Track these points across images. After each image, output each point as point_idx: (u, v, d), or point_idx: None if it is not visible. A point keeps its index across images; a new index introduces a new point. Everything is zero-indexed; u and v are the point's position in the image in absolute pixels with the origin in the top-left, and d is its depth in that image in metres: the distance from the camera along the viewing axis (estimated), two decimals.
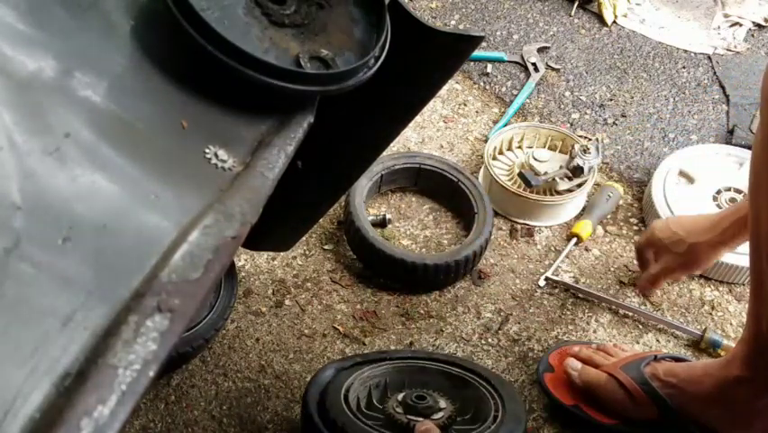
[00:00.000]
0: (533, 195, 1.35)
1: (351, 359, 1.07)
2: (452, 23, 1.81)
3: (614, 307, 1.25)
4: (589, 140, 1.41)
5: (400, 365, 1.05)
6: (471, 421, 0.98)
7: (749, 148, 1.38)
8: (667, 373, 1.00)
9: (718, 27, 1.83)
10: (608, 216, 1.40)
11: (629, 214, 1.41)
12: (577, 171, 1.36)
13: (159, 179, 0.53)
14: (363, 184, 1.32)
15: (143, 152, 0.54)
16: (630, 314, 1.25)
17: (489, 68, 1.69)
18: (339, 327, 1.20)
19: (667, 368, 1.01)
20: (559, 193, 1.37)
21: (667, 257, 1.12)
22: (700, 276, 1.30)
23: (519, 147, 1.47)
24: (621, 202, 1.43)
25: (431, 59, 0.76)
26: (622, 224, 1.40)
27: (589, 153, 1.36)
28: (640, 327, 1.24)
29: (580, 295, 1.27)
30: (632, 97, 1.65)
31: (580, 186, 1.37)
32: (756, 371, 0.88)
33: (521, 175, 1.36)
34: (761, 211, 0.77)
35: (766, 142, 0.73)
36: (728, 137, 1.53)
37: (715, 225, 1.06)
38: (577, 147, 1.37)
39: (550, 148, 1.45)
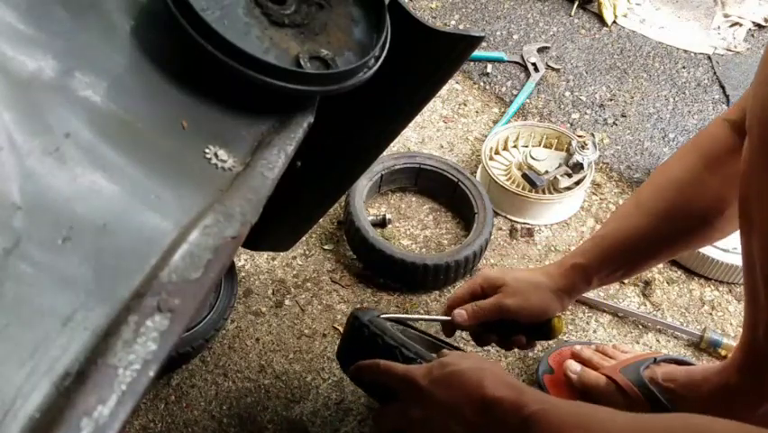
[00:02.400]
0: (532, 194, 1.35)
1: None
2: (452, 23, 1.81)
3: (613, 310, 1.25)
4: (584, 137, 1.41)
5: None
6: None
7: None
8: (666, 377, 1.00)
9: (718, 27, 1.83)
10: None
11: None
12: (576, 168, 1.36)
13: (159, 179, 0.53)
14: (363, 184, 1.32)
15: (143, 152, 0.54)
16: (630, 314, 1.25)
17: (489, 68, 1.69)
18: (339, 327, 1.20)
19: (666, 372, 1.01)
20: (558, 191, 1.37)
21: (503, 295, 0.98)
22: (700, 276, 1.31)
23: (515, 146, 1.47)
24: (621, 202, 1.43)
25: (431, 59, 0.76)
26: None
27: (587, 149, 1.36)
28: (640, 327, 1.24)
29: (578, 298, 1.27)
30: (632, 97, 1.65)
31: (578, 182, 1.37)
32: (752, 381, 0.88)
33: (525, 176, 1.37)
34: (753, 221, 0.77)
35: (753, 158, 0.73)
36: None
37: (555, 275, 0.98)
38: (575, 143, 1.37)
39: (545, 146, 1.45)
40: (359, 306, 1.18)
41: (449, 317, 0.98)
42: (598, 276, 0.97)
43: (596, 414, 0.69)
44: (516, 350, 1.19)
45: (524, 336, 1.00)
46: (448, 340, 1.06)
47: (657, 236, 0.93)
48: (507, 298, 0.96)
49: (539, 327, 0.99)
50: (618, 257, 0.96)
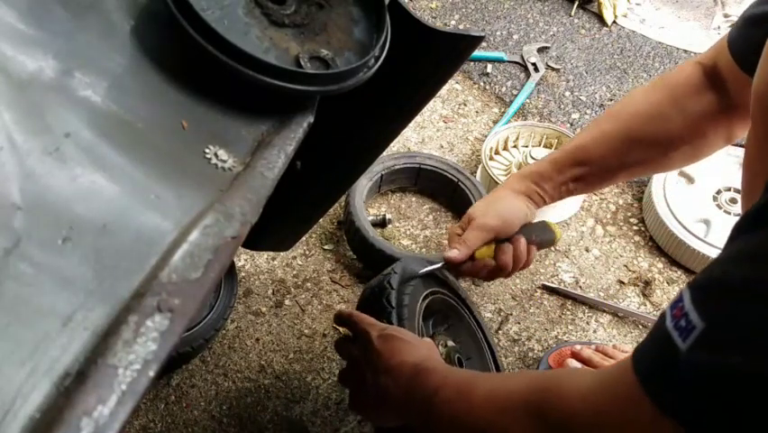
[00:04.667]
0: None
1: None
2: (452, 23, 1.81)
3: (613, 310, 1.25)
4: None
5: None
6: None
7: None
8: None
9: (718, 27, 1.83)
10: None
11: (629, 214, 1.41)
12: None
13: (159, 179, 0.53)
14: (363, 184, 1.32)
15: (143, 152, 0.54)
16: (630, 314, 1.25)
17: (489, 68, 1.69)
18: (339, 327, 1.20)
19: None
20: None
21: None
22: None
23: (515, 146, 1.47)
24: (621, 202, 1.43)
25: (431, 59, 0.76)
26: (622, 224, 1.40)
27: None
28: (640, 327, 1.24)
29: (578, 298, 1.27)
30: None
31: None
32: None
33: None
34: None
35: (758, 144, 0.73)
36: None
37: (521, 193, 1.03)
38: None
39: (545, 146, 1.45)
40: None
41: (444, 262, 1.04)
42: (552, 183, 1.00)
43: (473, 372, 0.86)
44: (516, 350, 1.19)
45: (524, 242, 1.03)
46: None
47: (610, 155, 0.96)
48: (481, 218, 1.01)
49: (540, 233, 1.05)
50: (570, 167, 0.99)
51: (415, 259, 1.07)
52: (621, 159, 0.96)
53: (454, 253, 0.99)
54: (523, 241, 1.01)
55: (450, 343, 1.04)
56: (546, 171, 1.00)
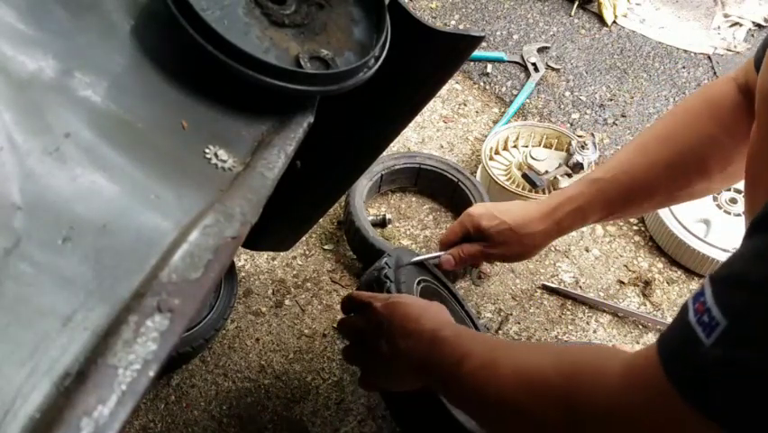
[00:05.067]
0: (532, 194, 1.35)
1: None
2: (452, 23, 1.81)
3: (613, 310, 1.25)
4: (583, 137, 1.41)
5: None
6: None
7: None
8: None
9: (718, 27, 1.83)
10: None
11: None
12: (576, 168, 1.36)
13: (159, 179, 0.53)
14: (363, 184, 1.32)
15: (143, 152, 0.54)
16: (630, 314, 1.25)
17: (489, 68, 1.69)
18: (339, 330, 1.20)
19: None
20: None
21: (488, 244, 1.03)
22: (700, 276, 1.31)
23: (515, 146, 1.47)
24: None
25: (431, 59, 0.76)
26: (622, 223, 1.40)
27: (587, 149, 1.36)
28: (640, 327, 1.24)
29: (578, 298, 1.27)
30: (632, 97, 1.65)
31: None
32: None
33: (525, 177, 1.36)
34: (758, 210, 0.77)
35: (763, 140, 0.73)
36: None
37: (548, 216, 0.99)
38: (574, 143, 1.37)
39: (545, 146, 1.45)
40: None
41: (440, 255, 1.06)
42: (594, 217, 0.98)
43: (495, 338, 0.84)
44: None
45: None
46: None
47: (657, 184, 0.94)
48: (490, 248, 1.03)
49: None
50: (616, 200, 0.96)
51: (403, 251, 1.10)
52: (669, 188, 0.93)
53: (450, 264, 1.05)
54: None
55: None
56: (591, 209, 0.97)
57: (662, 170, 0.92)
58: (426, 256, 1.07)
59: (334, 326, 1.20)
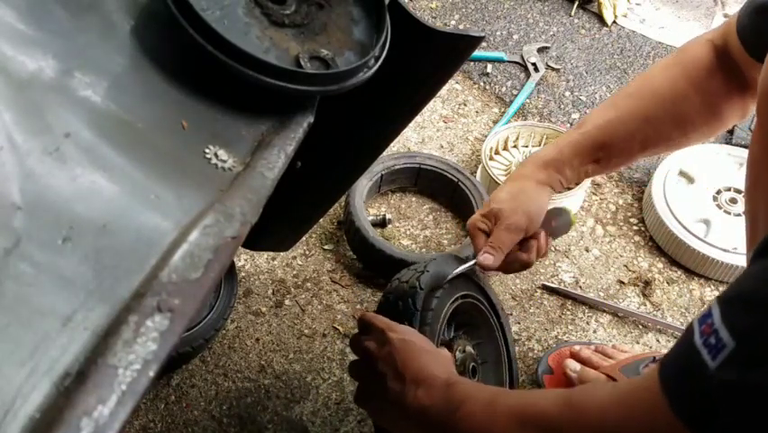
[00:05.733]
0: None
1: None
2: (452, 23, 1.81)
3: (613, 310, 1.25)
4: None
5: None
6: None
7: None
8: None
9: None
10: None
11: (629, 214, 1.41)
12: None
13: (159, 179, 0.53)
14: (363, 184, 1.32)
15: (143, 152, 0.54)
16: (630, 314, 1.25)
17: (489, 68, 1.69)
18: (339, 327, 1.20)
19: None
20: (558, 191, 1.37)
21: (506, 223, 1.01)
22: (700, 276, 1.31)
23: (515, 146, 1.47)
24: (621, 202, 1.43)
25: (431, 59, 0.76)
26: (622, 224, 1.40)
27: None
28: (640, 327, 1.24)
29: (578, 298, 1.27)
30: None
31: (578, 182, 1.37)
32: None
33: None
34: (758, 211, 0.77)
35: (764, 140, 0.73)
36: (728, 137, 1.53)
37: (533, 175, 1.00)
38: None
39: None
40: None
41: (476, 261, 1.01)
42: (572, 169, 0.99)
43: (499, 390, 0.85)
44: (516, 350, 1.19)
45: (544, 234, 1.03)
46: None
47: (630, 137, 0.95)
48: (511, 216, 0.99)
49: (557, 221, 1.05)
50: (589, 152, 0.98)
51: (448, 257, 1.05)
52: (641, 140, 0.95)
53: (490, 261, 0.97)
54: (543, 235, 1.01)
55: (468, 348, 1.03)
56: (567, 158, 0.98)
57: (634, 123, 0.94)
58: (465, 267, 1.02)
59: (334, 326, 1.20)
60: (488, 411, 0.73)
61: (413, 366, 0.82)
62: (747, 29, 0.83)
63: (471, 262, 1.01)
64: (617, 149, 0.97)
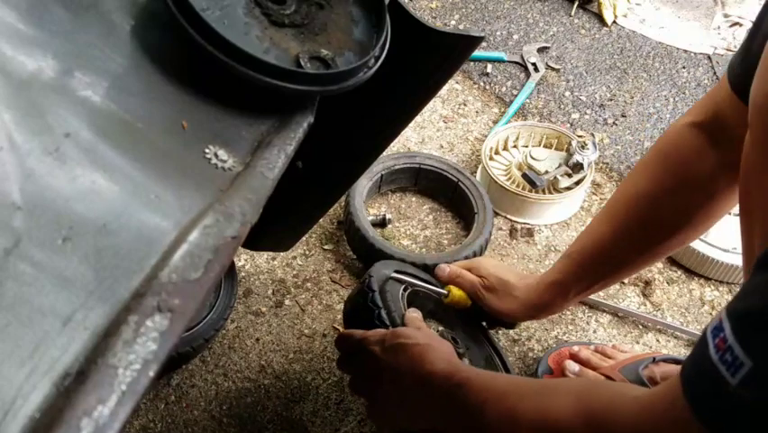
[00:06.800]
0: (532, 194, 1.35)
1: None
2: (452, 23, 1.81)
3: (613, 310, 1.25)
4: (583, 137, 1.41)
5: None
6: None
7: None
8: (665, 377, 1.00)
9: (718, 27, 1.83)
10: None
11: None
12: (576, 168, 1.36)
13: (159, 180, 0.53)
14: (363, 184, 1.32)
15: (143, 152, 0.54)
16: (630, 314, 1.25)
17: (489, 68, 1.69)
18: (339, 327, 1.20)
19: (665, 371, 1.01)
20: (558, 191, 1.37)
21: (483, 284, 1.07)
22: (700, 276, 1.31)
23: (515, 146, 1.47)
24: None
25: (431, 59, 0.76)
26: None
27: (587, 149, 1.36)
28: (640, 327, 1.24)
29: None
30: (632, 97, 1.65)
31: (578, 182, 1.37)
32: None
33: (525, 176, 1.36)
34: (754, 219, 0.76)
35: (757, 153, 0.72)
36: None
37: (532, 288, 1.02)
38: (575, 143, 1.37)
39: (545, 146, 1.45)
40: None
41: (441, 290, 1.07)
42: (575, 290, 1.00)
43: (509, 379, 0.86)
44: (516, 350, 1.19)
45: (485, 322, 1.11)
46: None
47: (630, 248, 0.95)
48: (484, 290, 1.05)
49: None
50: (593, 271, 0.98)
51: (384, 263, 1.10)
52: (639, 250, 0.94)
53: (443, 273, 1.07)
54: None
55: (440, 328, 1.06)
56: (570, 283, 0.99)
57: (629, 233, 0.93)
58: (409, 280, 1.07)
59: (334, 326, 1.20)
60: (510, 417, 0.72)
61: (406, 369, 0.81)
62: (740, 77, 0.79)
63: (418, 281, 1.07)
64: (617, 267, 0.97)
